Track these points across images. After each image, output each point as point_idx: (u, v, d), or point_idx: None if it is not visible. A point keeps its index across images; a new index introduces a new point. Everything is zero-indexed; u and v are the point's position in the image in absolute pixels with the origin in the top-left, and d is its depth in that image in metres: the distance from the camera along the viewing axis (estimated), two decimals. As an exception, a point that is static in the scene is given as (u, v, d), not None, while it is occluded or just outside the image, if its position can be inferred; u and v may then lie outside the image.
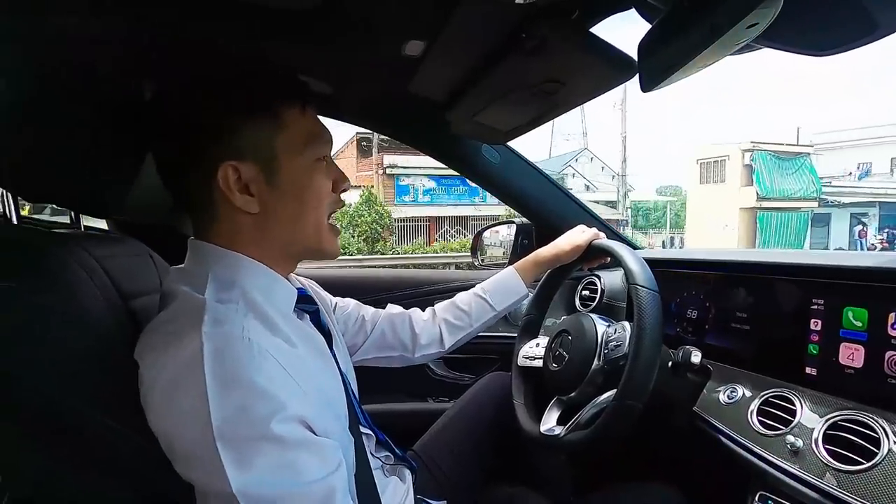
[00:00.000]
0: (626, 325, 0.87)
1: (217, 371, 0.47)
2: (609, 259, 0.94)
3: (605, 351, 0.87)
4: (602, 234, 1.03)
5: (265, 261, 0.61)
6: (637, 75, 0.69)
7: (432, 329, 0.99)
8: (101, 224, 1.13)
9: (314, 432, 0.52)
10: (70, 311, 0.52)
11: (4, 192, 0.62)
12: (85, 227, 0.78)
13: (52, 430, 0.50)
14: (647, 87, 0.67)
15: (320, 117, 0.67)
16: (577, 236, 1.03)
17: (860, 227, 16.67)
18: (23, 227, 0.64)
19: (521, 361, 1.07)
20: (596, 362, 0.87)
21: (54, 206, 0.70)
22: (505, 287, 1.03)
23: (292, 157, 0.60)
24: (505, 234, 1.62)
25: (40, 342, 0.50)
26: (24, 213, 0.73)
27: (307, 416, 0.51)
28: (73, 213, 0.76)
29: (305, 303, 0.68)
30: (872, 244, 15.70)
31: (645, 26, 0.65)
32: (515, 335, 1.13)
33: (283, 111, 0.60)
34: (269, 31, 0.80)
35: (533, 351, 1.06)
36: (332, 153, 0.68)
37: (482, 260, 1.67)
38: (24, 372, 0.48)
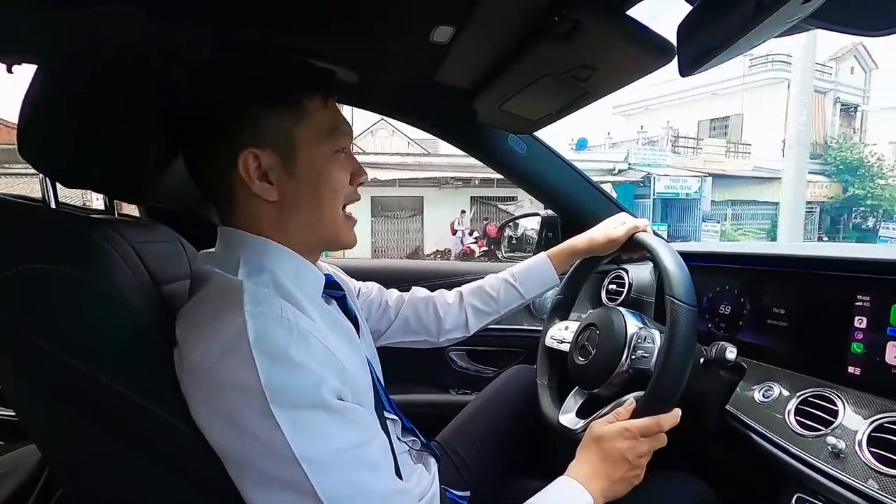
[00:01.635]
0: (657, 335, 0.84)
1: (263, 348, 0.48)
2: (647, 254, 0.89)
3: (633, 356, 0.84)
4: (645, 225, 0.97)
5: (290, 247, 0.62)
6: (675, 59, 0.67)
7: (458, 314, 0.98)
8: (133, 210, 1.15)
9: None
10: (107, 293, 0.53)
11: (44, 177, 0.63)
12: (119, 214, 0.80)
13: (89, 407, 0.51)
14: (686, 71, 0.64)
15: (345, 107, 0.67)
16: (614, 228, 0.97)
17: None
18: (61, 212, 0.65)
19: (548, 342, 1.05)
20: (622, 363, 0.85)
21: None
22: (536, 274, 1.00)
23: (312, 147, 0.60)
24: (530, 227, 1.60)
25: (79, 323, 0.51)
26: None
27: (343, 391, 0.53)
28: (107, 199, 0.77)
29: (333, 288, 0.68)
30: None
31: (685, 8, 0.62)
32: (539, 328, 1.11)
33: (305, 102, 0.60)
34: (296, 21, 0.80)
35: (561, 334, 1.04)
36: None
37: (506, 252, 1.66)
38: (64, 351, 0.49)
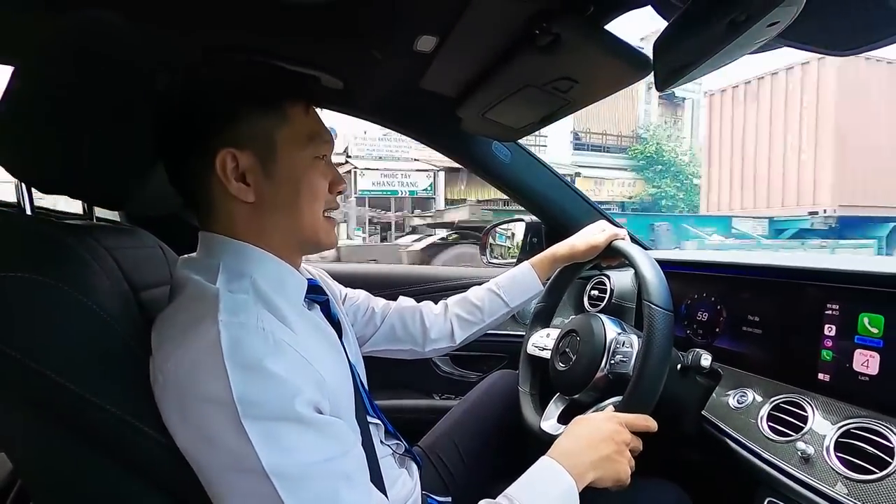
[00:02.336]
0: (635, 339, 0.86)
1: (236, 359, 0.48)
2: (626, 262, 0.92)
3: (612, 361, 0.86)
4: (623, 234, 1.00)
5: (271, 250, 0.62)
6: (652, 73, 0.69)
7: (443, 323, 0.99)
8: (113, 216, 1.14)
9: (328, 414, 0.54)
10: (82, 302, 0.53)
11: (19, 182, 0.62)
12: (97, 218, 0.79)
13: (63, 418, 0.51)
14: (662, 85, 0.66)
15: (329, 113, 0.67)
16: (594, 235, 1.00)
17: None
18: (37, 219, 0.64)
19: (530, 349, 1.07)
20: (602, 368, 0.86)
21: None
22: (520, 283, 1.02)
23: (292, 151, 0.60)
24: (514, 233, 1.61)
25: (53, 332, 0.50)
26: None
27: (321, 403, 0.52)
28: (85, 205, 0.77)
29: (315, 293, 0.68)
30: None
31: (661, 23, 0.64)
32: (523, 333, 1.12)
33: (287, 108, 0.60)
34: (282, 26, 0.80)
35: (543, 341, 1.05)
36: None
37: (491, 258, 1.67)
38: (36, 361, 0.49)
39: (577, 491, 0.63)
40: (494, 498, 0.60)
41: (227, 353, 0.48)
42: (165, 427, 0.51)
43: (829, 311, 0.77)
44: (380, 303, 0.99)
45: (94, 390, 0.50)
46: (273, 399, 0.48)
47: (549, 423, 0.94)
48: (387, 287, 1.41)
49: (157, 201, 0.78)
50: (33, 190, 0.65)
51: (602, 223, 1.04)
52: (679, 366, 0.86)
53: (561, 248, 1.03)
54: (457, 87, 0.97)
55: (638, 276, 0.83)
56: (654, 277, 0.80)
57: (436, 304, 1.03)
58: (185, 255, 0.65)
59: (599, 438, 0.68)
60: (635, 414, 0.73)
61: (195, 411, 0.48)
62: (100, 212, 0.83)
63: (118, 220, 1.11)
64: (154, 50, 0.64)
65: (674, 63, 0.64)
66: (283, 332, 0.54)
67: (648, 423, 0.74)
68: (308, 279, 0.67)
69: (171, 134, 0.61)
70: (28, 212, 0.64)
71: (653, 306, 0.76)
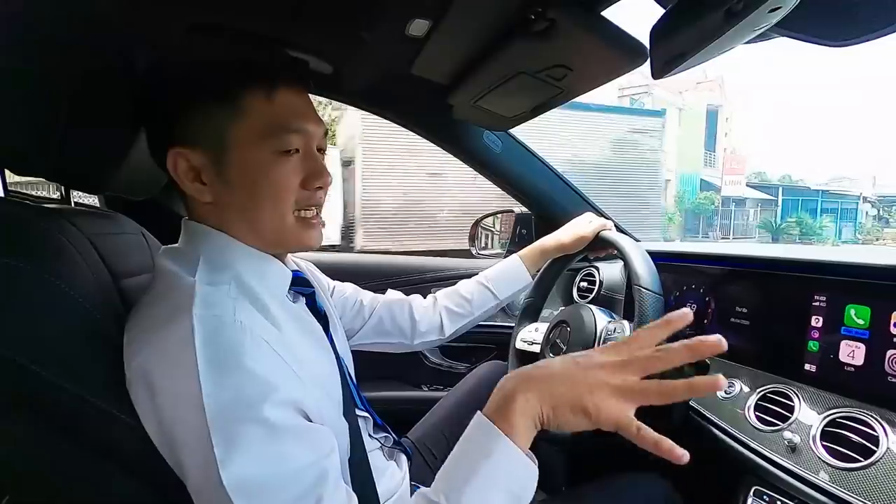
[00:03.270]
0: (626, 324, 0.86)
1: (208, 355, 0.46)
2: (614, 252, 0.92)
3: None
4: (610, 225, 1.01)
5: (250, 243, 0.59)
6: (648, 61, 0.68)
7: (432, 316, 0.98)
8: (93, 200, 1.10)
9: (308, 417, 0.51)
10: (59, 288, 0.50)
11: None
12: (75, 203, 0.76)
13: (38, 408, 0.49)
14: (658, 73, 0.65)
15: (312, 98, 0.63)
16: (582, 226, 1.01)
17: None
18: (10, 201, 0.61)
19: (518, 344, 1.07)
20: None
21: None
22: (509, 276, 1.01)
23: (245, 149, 0.55)
24: (503, 224, 1.60)
25: (28, 319, 0.48)
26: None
27: (300, 400, 0.50)
28: (62, 188, 0.74)
29: (301, 285, 0.66)
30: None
31: (658, 11, 0.63)
32: (512, 325, 1.12)
33: (241, 97, 0.55)
34: (269, 8, 0.78)
35: (531, 336, 1.05)
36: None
37: (480, 249, 1.66)
38: (10, 350, 0.47)
39: (514, 449, 0.47)
40: None
41: (199, 347, 0.45)
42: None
43: (817, 303, 0.78)
44: (368, 296, 0.98)
45: (72, 380, 0.48)
46: (243, 399, 0.45)
47: None
48: (375, 278, 1.39)
49: (137, 185, 0.76)
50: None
51: (589, 215, 1.05)
52: None
53: (549, 240, 1.04)
54: (449, 73, 0.95)
55: (627, 263, 0.84)
56: (642, 263, 0.82)
57: (424, 297, 1.02)
58: (167, 246, 0.63)
59: (547, 375, 0.50)
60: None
61: (162, 407, 0.46)
62: (80, 199, 0.80)
63: (97, 205, 1.08)
64: (133, 24, 0.61)
65: (671, 52, 0.63)
66: (263, 326, 0.52)
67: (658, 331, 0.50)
68: (294, 271, 0.65)
69: (145, 121, 0.59)
70: (1, 194, 0.61)
71: (643, 290, 0.78)
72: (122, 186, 0.70)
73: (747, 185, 23.70)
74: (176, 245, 0.61)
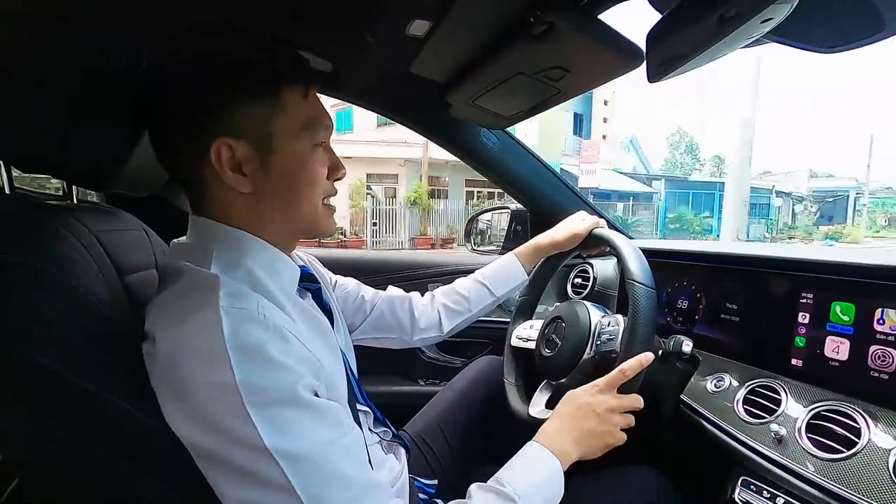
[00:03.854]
0: (620, 319, 0.88)
1: (239, 344, 0.47)
2: (608, 249, 0.94)
3: (598, 342, 0.88)
4: (603, 223, 1.03)
5: (265, 237, 0.61)
6: (644, 65, 0.69)
7: (431, 313, 1.00)
8: (94, 199, 1.11)
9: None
10: (67, 283, 0.51)
11: (-2, 161, 0.60)
12: (78, 199, 0.77)
13: (49, 402, 0.49)
14: (653, 77, 0.67)
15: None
16: (575, 224, 1.02)
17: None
18: (16, 197, 0.62)
19: (514, 342, 1.08)
20: (588, 351, 0.89)
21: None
22: (505, 273, 1.03)
23: (289, 141, 0.59)
24: (499, 220, 1.62)
25: (38, 315, 0.49)
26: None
27: (319, 389, 0.53)
28: (65, 185, 0.74)
29: (308, 281, 0.68)
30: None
31: (655, 15, 0.65)
32: (508, 321, 1.14)
33: (285, 94, 0.58)
34: (271, 7, 0.78)
35: (526, 332, 1.07)
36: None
37: (475, 245, 1.68)
38: (21, 345, 0.47)
39: (562, 471, 0.66)
40: (481, 482, 0.62)
41: (228, 338, 0.47)
42: (157, 410, 0.50)
43: (804, 300, 0.81)
44: (369, 291, 0.99)
45: (84, 373, 0.49)
46: (276, 385, 0.48)
47: (536, 410, 0.96)
48: (375, 273, 1.41)
49: (140, 182, 0.76)
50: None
51: (582, 213, 1.06)
52: (660, 352, 0.88)
53: (543, 238, 1.05)
54: (447, 72, 0.96)
55: (620, 259, 0.85)
56: (635, 258, 0.83)
57: (423, 293, 1.03)
58: (176, 241, 0.63)
59: (581, 415, 0.71)
60: (616, 370, 0.74)
61: (196, 397, 0.48)
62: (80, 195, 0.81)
63: (97, 201, 1.08)
64: (135, 23, 0.62)
65: (666, 55, 0.65)
66: (283, 319, 0.53)
67: (630, 366, 0.73)
68: (300, 266, 0.67)
69: (162, 121, 0.58)
70: (7, 191, 0.62)
71: (636, 284, 0.79)
72: (126, 183, 0.71)
73: (627, 176, 20.61)
74: (184, 240, 0.62)
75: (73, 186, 0.75)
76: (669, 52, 0.64)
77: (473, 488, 0.61)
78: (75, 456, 0.51)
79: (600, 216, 1.11)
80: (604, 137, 21.43)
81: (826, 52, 0.63)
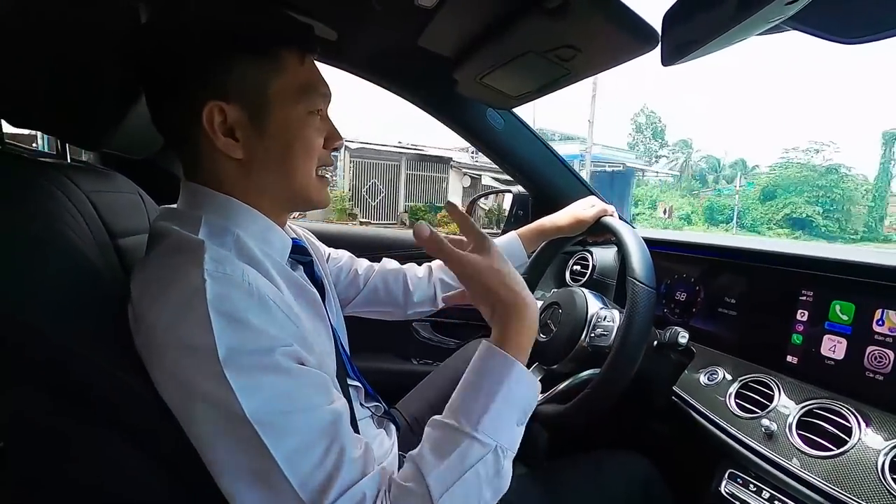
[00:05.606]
0: (617, 315, 0.87)
1: (220, 309, 0.46)
2: (612, 238, 0.92)
3: (592, 334, 0.88)
4: (612, 211, 1.01)
5: (257, 206, 0.60)
6: (659, 47, 0.67)
7: (427, 287, 0.98)
8: (89, 160, 1.09)
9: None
10: (56, 242, 0.50)
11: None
12: (72, 159, 0.75)
13: (36, 366, 0.49)
14: (668, 60, 0.65)
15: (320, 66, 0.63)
16: (582, 210, 1.00)
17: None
18: (6, 153, 0.60)
19: None
20: (582, 340, 0.88)
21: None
22: (505, 253, 1.00)
23: (284, 106, 0.57)
24: (500, 203, 1.61)
25: (26, 274, 0.48)
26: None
27: (304, 358, 0.51)
28: (59, 143, 0.72)
29: (299, 253, 0.67)
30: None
31: (673, -5, 0.62)
32: None
33: (282, 56, 0.56)
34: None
35: None
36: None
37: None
38: (6, 302, 0.46)
39: (525, 370, 0.54)
40: None
41: (210, 302, 0.46)
42: (147, 376, 0.49)
43: (804, 297, 0.80)
44: (363, 264, 0.98)
45: (71, 338, 0.48)
46: (256, 349, 0.47)
47: None
48: (371, 250, 1.39)
49: (136, 143, 0.75)
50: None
51: (592, 199, 1.04)
52: (655, 342, 0.88)
53: (547, 221, 1.03)
54: (456, 47, 0.94)
55: (623, 253, 0.84)
56: (640, 254, 0.81)
57: (420, 266, 1.02)
58: (166, 206, 0.62)
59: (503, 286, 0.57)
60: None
61: (177, 361, 0.47)
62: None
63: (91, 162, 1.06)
64: None
65: (682, 38, 0.63)
66: (269, 288, 0.52)
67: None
68: (293, 239, 0.65)
69: (154, 77, 0.56)
70: None
71: (637, 283, 0.78)
72: (120, 144, 0.69)
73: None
74: (174, 206, 0.61)
75: (67, 146, 0.73)
76: (686, 34, 0.62)
77: (426, 429, 0.54)
78: (56, 420, 0.50)
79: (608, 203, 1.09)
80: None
81: (845, 43, 0.61)
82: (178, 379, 0.47)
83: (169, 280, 0.49)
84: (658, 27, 0.66)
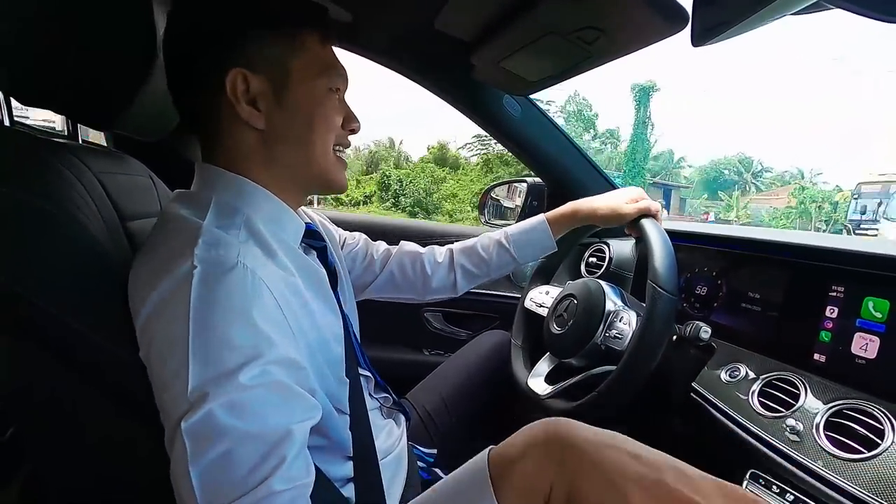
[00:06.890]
0: (634, 317, 0.84)
1: (205, 296, 0.44)
2: (639, 236, 0.87)
3: (607, 333, 0.85)
4: (657, 210, 0.91)
5: (273, 188, 0.59)
6: (688, 27, 0.64)
7: (447, 273, 0.95)
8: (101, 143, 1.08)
9: (299, 374, 0.49)
10: (65, 223, 0.49)
11: (-2, 92, 0.57)
12: (83, 140, 0.74)
13: (47, 346, 0.48)
14: (698, 41, 0.61)
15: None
16: (624, 204, 0.91)
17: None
18: (16, 131, 0.59)
19: (527, 304, 1.07)
20: (596, 336, 0.85)
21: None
22: (533, 239, 0.94)
23: (306, 80, 0.58)
24: (515, 194, 1.58)
25: (35, 254, 0.47)
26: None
27: (292, 357, 0.48)
28: (69, 123, 0.72)
29: (313, 238, 0.65)
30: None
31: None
32: (518, 295, 1.11)
33: (303, 35, 0.58)
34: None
35: (541, 298, 1.05)
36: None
37: (490, 218, 1.64)
38: (16, 281, 0.46)
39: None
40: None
41: (195, 290, 0.44)
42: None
43: (834, 293, 0.76)
44: (380, 248, 0.96)
45: (74, 314, 0.47)
46: (232, 348, 0.44)
47: (536, 381, 0.94)
48: (387, 238, 1.38)
49: (148, 125, 0.73)
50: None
51: (636, 191, 0.94)
52: (675, 337, 0.85)
53: (585, 204, 0.94)
54: (473, 30, 0.91)
55: (649, 256, 0.80)
56: (665, 259, 0.77)
57: (441, 248, 0.98)
58: (180, 189, 0.61)
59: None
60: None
61: (157, 351, 0.45)
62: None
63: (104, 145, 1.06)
64: None
65: (714, 18, 0.60)
66: (268, 270, 0.50)
67: None
68: (307, 223, 0.64)
69: (178, 51, 0.57)
70: (7, 123, 0.59)
71: (658, 289, 0.75)
72: (133, 126, 0.68)
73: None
74: (188, 190, 0.60)
75: (78, 127, 0.73)
76: (719, 13, 0.58)
77: None
78: (62, 394, 0.50)
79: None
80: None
81: (891, 21, 0.57)
82: (153, 370, 0.46)
83: (159, 270, 0.48)
84: (688, 6, 0.63)
